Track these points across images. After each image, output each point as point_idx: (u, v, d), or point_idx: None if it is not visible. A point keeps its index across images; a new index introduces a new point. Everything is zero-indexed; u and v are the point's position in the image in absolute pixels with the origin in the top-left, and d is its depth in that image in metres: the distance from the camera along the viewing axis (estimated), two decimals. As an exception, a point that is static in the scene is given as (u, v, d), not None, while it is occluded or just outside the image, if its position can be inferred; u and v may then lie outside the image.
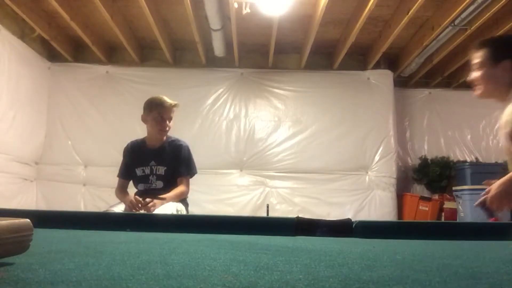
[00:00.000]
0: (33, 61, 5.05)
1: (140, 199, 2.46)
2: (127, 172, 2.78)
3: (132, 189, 2.81)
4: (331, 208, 5.22)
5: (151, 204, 2.43)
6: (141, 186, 2.72)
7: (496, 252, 1.16)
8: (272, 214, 5.05)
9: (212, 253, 0.92)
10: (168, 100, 2.72)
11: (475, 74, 1.87)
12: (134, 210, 2.42)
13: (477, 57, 1.86)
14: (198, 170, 2.82)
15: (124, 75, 5.53)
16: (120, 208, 2.60)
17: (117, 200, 2.74)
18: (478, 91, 1.88)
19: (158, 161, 2.70)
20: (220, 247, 1.05)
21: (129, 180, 2.81)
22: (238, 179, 5.41)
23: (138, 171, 2.72)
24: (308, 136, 5.48)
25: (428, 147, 5.90)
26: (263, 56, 5.60)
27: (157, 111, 2.67)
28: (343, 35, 5.05)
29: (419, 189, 5.79)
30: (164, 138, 2.77)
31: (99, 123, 5.40)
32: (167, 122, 2.70)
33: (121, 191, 2.77)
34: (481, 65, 1.84)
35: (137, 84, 5.46)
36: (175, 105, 2.72)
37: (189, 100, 5.30)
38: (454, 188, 5.37)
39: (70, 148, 5.34)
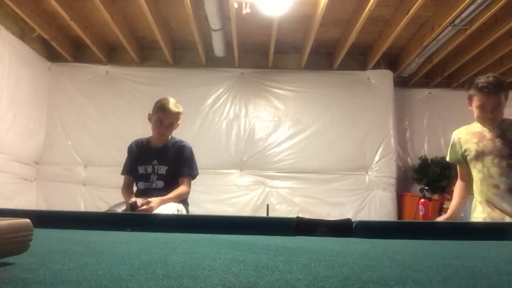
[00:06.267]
0: (33, 61, 5.04)
1: (138, 200, 2.46)
2: (131, 169, 2.80)
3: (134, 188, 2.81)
4: (331, 208, 5.22)
5: (148, 205, 2.42)
6: (142, 185, 2.73)
7: (496, 252, 1.16)
8: (272, 214, 5.04)
9: (212, 253, 0.92)
10: (171, 106, 2.68)
11: (498, 111, 2.51)
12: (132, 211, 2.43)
13: (501, 98, 2.47)
14: (198, 171, 2.83)
15: (124, 75, 5.53)
16: (121, 208, 2.60)
17: (119, 200, 2.74)
18: (495, 121, 2.56)
19: (160, 161, 2.72)
20: (220, 247, 1.04)
21: (134, 177, 2.81)
22: (238, 179, 5.41)
23: (140, 169, 2.74)
24: (308, 136, 5.48)
25: (428, 147, 5.90)
26: (263, 56, 5.59)
27: (157, 115, 2.69)
28: (343, 35, 5.04)
29: (419, 189, 5.78)
30: (168, 139, 2.78)
31: (99, 123, 5.40)
32: (168, 127, 2.70)
33: (126, 189, 2.77)
34: (502, 104, 2.48)
35: (137, 84, 5.46)
36: (177, 113, 2.70)
37: (189, 100, 5.29)
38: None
39: (70, 148, 5.34)
